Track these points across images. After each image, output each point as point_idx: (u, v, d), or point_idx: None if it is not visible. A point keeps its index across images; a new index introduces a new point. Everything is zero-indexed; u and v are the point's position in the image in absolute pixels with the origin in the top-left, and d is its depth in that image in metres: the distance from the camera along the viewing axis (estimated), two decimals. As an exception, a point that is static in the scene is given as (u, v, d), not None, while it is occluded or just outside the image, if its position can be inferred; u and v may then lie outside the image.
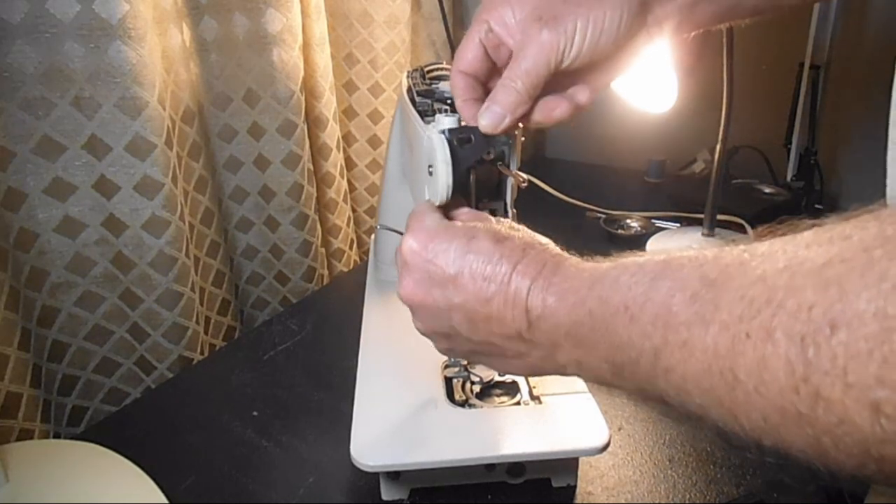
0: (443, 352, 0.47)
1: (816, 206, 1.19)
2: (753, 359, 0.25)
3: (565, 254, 0.40)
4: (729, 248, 0.31)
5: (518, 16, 0.45)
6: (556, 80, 0.46)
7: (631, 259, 0.35)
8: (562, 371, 0.39)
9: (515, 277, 0.38)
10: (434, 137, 0.46)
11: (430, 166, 0.47)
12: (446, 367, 0.63)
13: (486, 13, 0.46)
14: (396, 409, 0.57)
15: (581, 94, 0.47)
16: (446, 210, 0.47)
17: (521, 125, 0.48)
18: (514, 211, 0.53)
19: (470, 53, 0.47)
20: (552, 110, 0.47)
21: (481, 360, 0.45)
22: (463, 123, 0.48)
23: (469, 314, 0.40)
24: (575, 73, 0.46)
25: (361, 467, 0.52)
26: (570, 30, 0.43)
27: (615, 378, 0.35)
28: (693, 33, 0.49)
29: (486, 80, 0.49)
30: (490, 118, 0.45)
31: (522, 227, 0.43)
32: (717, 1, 0.47)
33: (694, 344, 0.28)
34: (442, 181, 0.46)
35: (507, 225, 0.42)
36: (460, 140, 0.47)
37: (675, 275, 0.31)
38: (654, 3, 0.45)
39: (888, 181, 0.38)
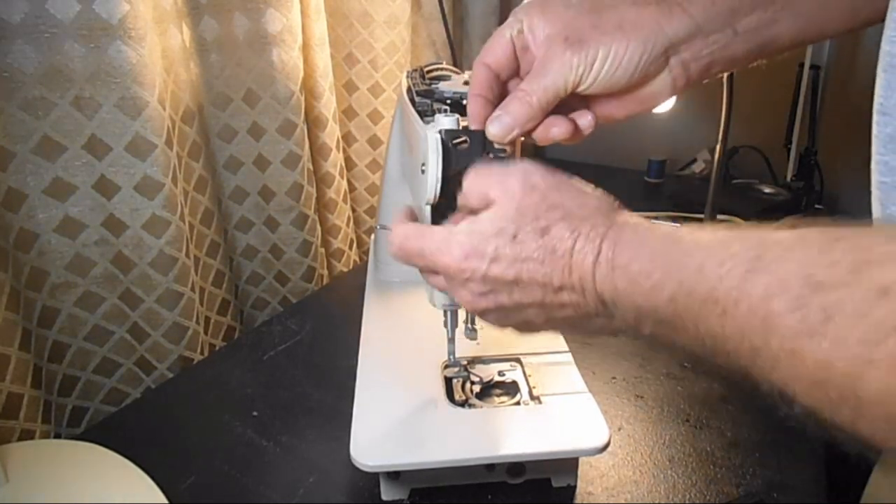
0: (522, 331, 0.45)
1: (816, 206, 1.19)
2: (879, 388, 0.24)
3: (619, 216, 0.38)
4: (836, 234, 0.28)
5: (547, 30, 0.44)
6: (565, 101, 0.46)
7: (711, 237, 0.32)
8: (651, 339, 0.37)
9: (577, 265, 0.36)
10: (429, 136, 0.47)
11: (423, 164, 0.47)
12: (446, 367, 0.63)
13: (522, 13, 0.45)
14: (396, 409, 0.57)
15: (584, 119, 0.47)
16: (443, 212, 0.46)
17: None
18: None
19: (500, 49, 0.46)
20: (550, 128, 0.46)
21: (565, 332, 0.43)
22: (463, 124, 0.48)
23: (543, 308, 0.39)
24: (585, 99, 0.47)
25: (361, 467, 0.52)
26: (592, 56, 0.43)
27: (710, 357, 0.33)
28: (726, 73, 0.49)
29: (507, 79, 0.48)
30: (500, 128, 0.45)
31: (556, 184, 0.40)
32: (752, 39, 0.46)
33: (804, 356, 0.26)
34: (431, 181, 0.46)
35: (538, 194, 0.39)
36: (455, 142, 0.47)
37: (773, 269, 0.28)
38: (681, 45, 0.44)
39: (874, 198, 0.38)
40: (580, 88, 0.44)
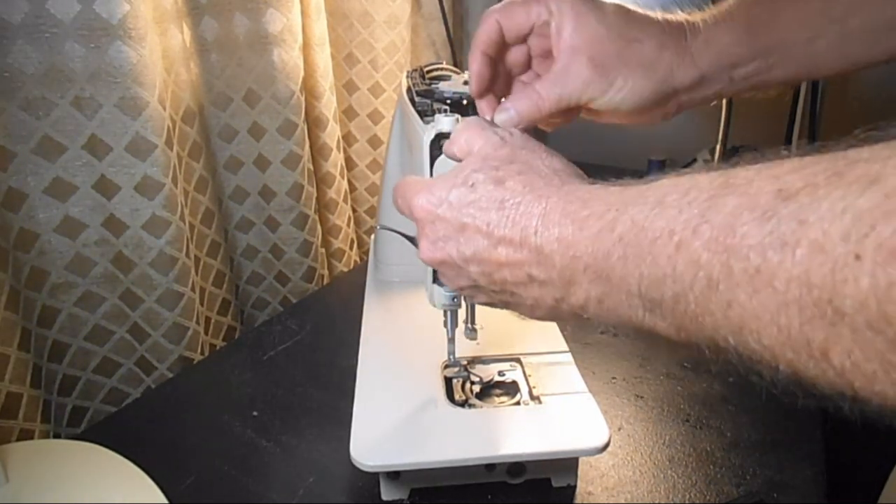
0: (481, 304, 0.45)
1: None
2: (870, 286, 0.20)
3: (584, 178, 0.38)
4: (814, 155, 0.25)
5: (575, 40, 0.44)
6: None
7: (678, 176, 0.30)
8: (581, 313, 0.36)
9: (520, 217, 0.36)
10: (423, 138, 0.47)
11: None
12: (446, 367, 0.63)
13: (554, 4, 0.45)
14: (396, 409, 0.57)
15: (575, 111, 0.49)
16: None
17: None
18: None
19: (520, 20, 0.46)
20: (550, 119, 0.48)
21: (510, 309, 0.42)
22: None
23: (482, 265, 0.39)
24: None
25: (361, 467, 0.52)
26: (610, 84, 0.45)
27: (648, 316, 0.31)
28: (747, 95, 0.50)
29: (511, 44, 0.48)
30: (507, 120, 0.46)
31: (531, 146, 0.41)
32: (745, 84, 0.48)
33: (771, 272, 0.23)
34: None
35: (508, 149, 0.41)
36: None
37: (741, 191, 0.26)
38: (684, 91, 0.46)
39: None
40: (588, 105, 0.46)
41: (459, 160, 0.43)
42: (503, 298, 0.41)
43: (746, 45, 0.46)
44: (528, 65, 0.50)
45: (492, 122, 0.47)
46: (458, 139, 0.43)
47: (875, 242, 0.20)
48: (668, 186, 0.30)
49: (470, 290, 0.43)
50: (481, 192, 0.38)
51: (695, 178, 0.29)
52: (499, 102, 0.48)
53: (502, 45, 0.48)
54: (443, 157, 0.46)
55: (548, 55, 0.48)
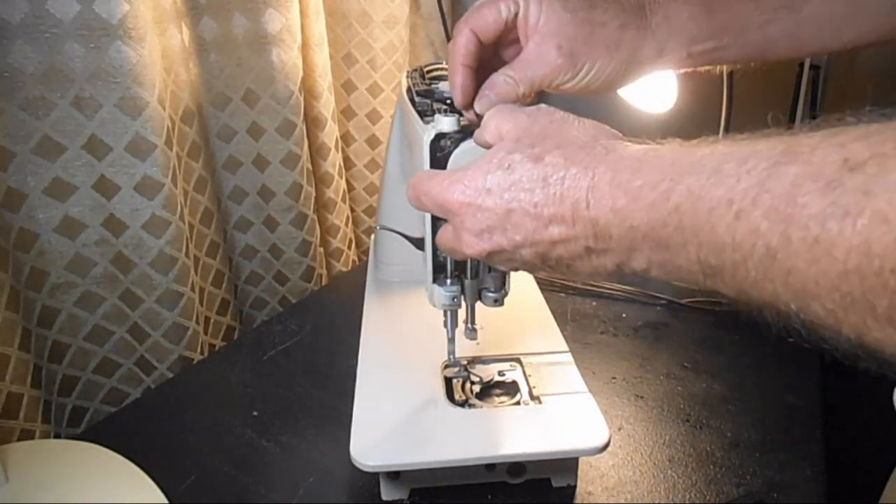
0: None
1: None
2: None
3: (622, 142, 0.36)
4: (882, 125, 0.25)
5: (542, 27, 0.46)
6: None
7: (735, 142, 0.30)
8: (644, 275, 0.35)
9: (568, 191, 0.35)
10: (423, 139, 0.47)
11: None
12: (446, 367, 0.63)
13: None
14: (396, 409, 0.57)
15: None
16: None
17: None
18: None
19: (491, 21, 0.47)
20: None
21: (568, 275, 0.40)
22: (463, 123, 0.48)
23: (535, 246, 0.37)
24: None
25: (361, 467, 0.52)
26: (579, 69, 0.47)
27: (709, 280, 0.30)
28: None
29: (486, 47, 0.49)
30: (487, 106, 0.47)
31: (562, 118, 0.40)
32: (700, 60, 0.50)
33: (831, 241, 0.23)
34: None
35: (539, 125, 0.40)
36: (454, 141, 0.47)
37: (805, 158, 0.25)
38: (645, 64, 0.48)
39: None
40: (559, 88, 0.48)
41: (491, 146, 0.41)
42: (560, 271, 0.40)
43: (703, 23, 0.48)
44: (498, 58, 0.51)
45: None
46: (489, 125, 0.42)
47: None
48: (724, 154, 0.29)
49: (523, 269, 0.42)
50: (521, 173, 0.37)
51: (754, 145, 0.28)
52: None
53: (479, 52, 0.48)
54: (457, 152, 0.46)
55: (513, 43, 0.49)
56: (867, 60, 1.12)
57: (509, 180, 0.37)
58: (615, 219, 0.33)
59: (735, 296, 0.29)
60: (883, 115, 0.26)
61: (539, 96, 0.49)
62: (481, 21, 0.47)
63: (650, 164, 0.32)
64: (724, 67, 0.53)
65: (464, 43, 0.47)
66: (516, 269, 0.43)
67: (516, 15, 0.46)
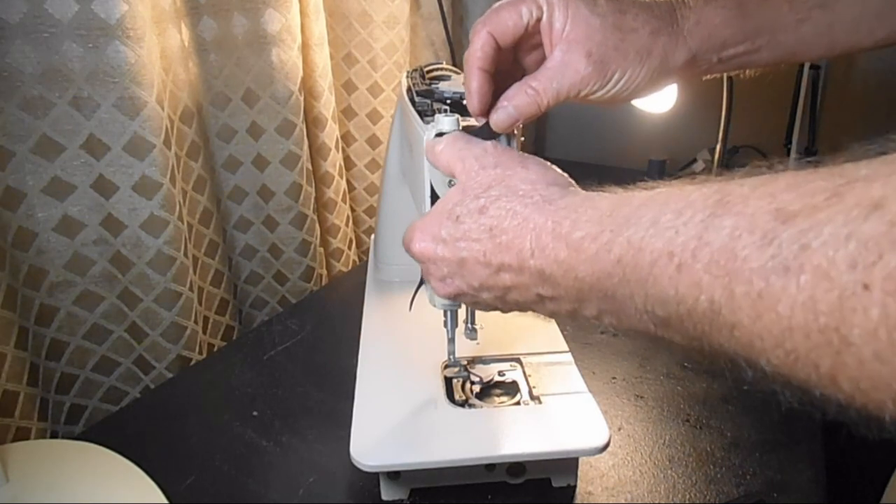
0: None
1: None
2: (878, 319, 0.19)
3: (566, 191, 0.37)
4: (808, 170, 0.24)
5: (569, 33, 0.43)
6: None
7: (668, 191, 0.30)
8: (598, 322, 0.35)
9: (512, 242, 0.36)
10: (423, 139, 0.47)
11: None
12: (446, 367, 0.63)
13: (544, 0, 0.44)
14: (396, 409, 0.57)
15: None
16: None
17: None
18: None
19: (511, 24, 0.44)
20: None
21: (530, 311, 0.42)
22: (463, 123, 0.48)
23: (492, 290, 0.39)
24: None
25: (361, 467, 0.52)
26: (609, 76, 0.44)
27: (659, 330, 0.30)
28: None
29: (505, 50, 0.46)
30: (506, 119, 0.45)
31: (507, 162, 0.40)
32: (731, 65, 0.48)
33: (774, 297, 0.22)
34: (426, 186, 0.48)
35: (484, 173, 0.40)
36: None
37: (738, 210, 0.25)
38: (677, 71, 0.46)
39: None
40: (585, 98, 0.45)
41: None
42: (524, 310, 0.41)
43: (736, 27, 0.46)
44: (517, 65, 0.49)
45: (486, 127, 0.46)
46: (441, 158, 0.44)
47: (883, 272, 0.19)
48: (660, 205, 0.29)
49: (490, 310, 0.43)
50: (469, 224, 0.39)
51: (688, 196, 0.28)
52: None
53: (497, 56, 0.46)
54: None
55: (535, 48, 0.47)
56: (867, 60, 1.12)
57: (459, 231, 0.39)
58: (559, 270, 0.34)
59: (687, 344, 0.29)
60: (808, 163, 0.26)
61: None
62: (500, 24, 0.44)
63: (588, 215, 0.33)
64: (752, 72, 0.50)
65: (480, 46, 0.44)
66: (486, 310, 0.44)
67: (538, 20, 0.44)
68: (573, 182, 0.40)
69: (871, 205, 0.20)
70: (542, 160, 0.41)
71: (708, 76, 0.49)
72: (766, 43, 0.47)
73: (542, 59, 0.45)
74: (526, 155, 0.42)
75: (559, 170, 0.41)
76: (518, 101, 0.45)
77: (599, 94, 0.45)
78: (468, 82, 0.46)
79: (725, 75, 0.90)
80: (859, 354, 0.20)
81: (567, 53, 0.43)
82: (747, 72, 0.50)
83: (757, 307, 0.23)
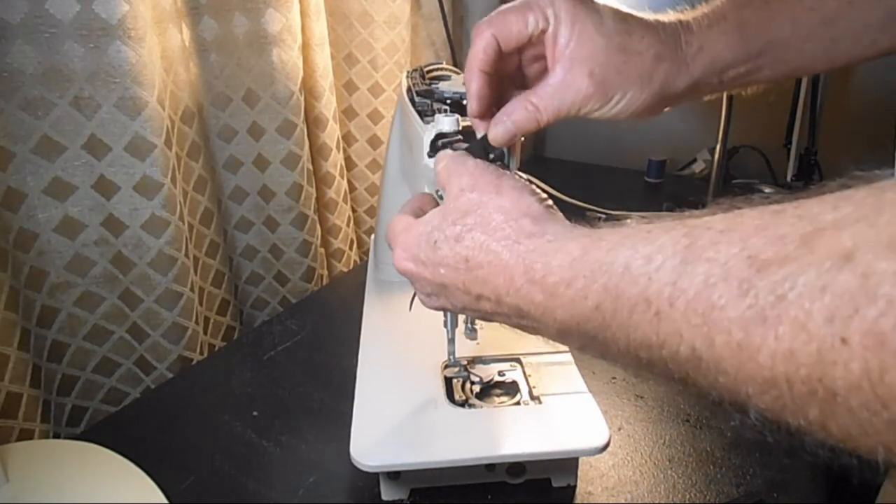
0: None
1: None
2: (860, 372, 0.19)
3: (538, 225, 0.36)
4: (774, 209, 0.24)
5: (574, 50, 0.42)
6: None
7: (634, 231, 0.30)
8: (583, 353, 0.35)
9: (488, 278, 0.36)
10: (424, 138, 0.47)
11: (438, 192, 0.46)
12: (446, 367, 0.63)
13: (550, 10, 0.43)
14: (396, 409, 0.57)
15: None
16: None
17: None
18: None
19: (515, 30, 0.43)
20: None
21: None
22: (463, 123, 0.48)
23: (476, 313, 0.40)
24: None
25: (361, 467, 0.52)
26: (609, 97, 0.44)
27: (644, 371, 0.30)
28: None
29: (506, 54, 0.46)
30: (504, 134, 0.45)
31: (485, 186, 0.40)
32: (733, 84, 0.47)
33: (755, 347, 0.22)
34: (426, 186, 0.47)
35: (463, 198, 0.40)
36: (451, 142, 0.47)
37: (708, 255, 0.25)
38: (678, 96, 0.46)
39: None
40: (585, 116, 0.45)
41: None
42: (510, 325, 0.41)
43: (739, 49, 0.46)
44: (520, 72, 0.48)
45: (483, 141, 0.46)
46: (439, 178, 0.44)
47: (861, 327, 0.19)
48: (629, 249, 0.29)
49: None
50: (445, 251, 0.39)
51: (656, 240, 0.28)
52: (491, 116, 0.46)
53: (498, 60, 0.45)
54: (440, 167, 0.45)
55: (538, 59, 0.46)
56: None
57: (437, 256, 0.39)
58: (537, 310, 0.34)
59: (677, 385, 0.29)
60: (766, 198, 0.26)
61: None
62: (505, 28, 0.43)
63: (559, 259, 0.33)
64: (753, 89, 0.50)
65: (483, 48, 0.44)
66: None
67: (543, 31, 0.43)
68: (551, 204, 0.39)
69: (842, 256, 0.20)
70: (519, 182, 0.40)
71: (709, 97, 0.49)
72: (769, 62, 0.47)
73: (545, 70, 0.45)
74: (504, 176, 0.41)
75: (537, 190, 0.40)
76: (517, 117, 0.44)
77: (599, 113, 0.45)
78: (468, 84, 0.45)
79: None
80: (846, 404, 0.20)
81: (569, 72, 0.43)
82: (749, 89, 0.50)
83: (738, 356, 0.23)
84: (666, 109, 0.48)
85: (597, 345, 0.32)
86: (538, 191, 0.40)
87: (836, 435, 0.22)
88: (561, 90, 0.43)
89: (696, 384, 0.27)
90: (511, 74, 0.48)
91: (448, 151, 0.44)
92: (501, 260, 0.36)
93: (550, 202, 0.39)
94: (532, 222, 0.37)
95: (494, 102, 0.46)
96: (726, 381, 0.25)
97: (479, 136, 0.47)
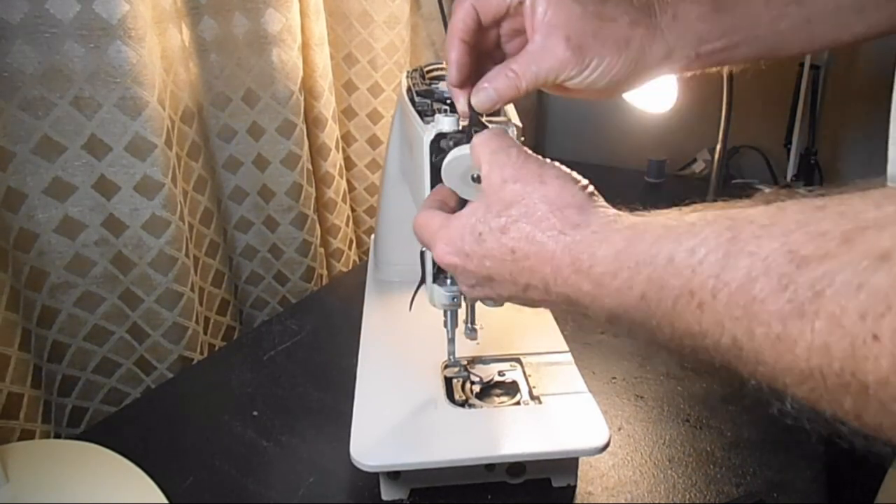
0: None
1: (816, 205, 1.19)
2: (890, 366, 0.20)
3: (583, 215, 0.36)
4: (816, 204, 0.25)
5: (551, 17, 0.44)
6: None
7: (678, 223, 0.30)
8: (633, 336, 0.37)
9: (535, 268, 0.37)
10: (424, 139, 0.47)
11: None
12: (446, 367, 0.63)
13: None
14: (396, 409, 0.57)
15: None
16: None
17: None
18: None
19: (494, 2, 0.45)
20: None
21: None
22: (463, 124, 0.48)
23: (523, 301, 0.41)
24: None
25: (361, 467, 0.52)
26: (587, 64, 0.44)
27: (690, 354, 0.31)
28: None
29: (486, 27, 0.47)
30: (485, 100, 0.46)
31: (527, 176, 0.40)
32: (709, 61, 0.48)
33: (792, 340, 0.23)
34: (425, 183, 0.47)
35: (506, 188, 0.40)
36: (451, 143, 0.47)
37: (751, 249, 0.26)
38: (653, 65, 0.46)
39: (889, 158, 0.38)
40: (563, 84, 0.46)
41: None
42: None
43: (712, 22, 0.46)
44: (499, 49, 0.49)
45: (472, 120, 0.46)
46: (474, 154, 0.43)
47: (892, 325, 0.20)
48: (672, 241, 0.30)
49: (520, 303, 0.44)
50: (491, 244, 0.39)
51: (700, 232, 0.29)
52: (471, 86, 0.47)
53: (478, 31, 0.47)
54: (446, 162, 0.45)
55: (518, 34, 0.47)
56: (867, 60, 1.12)
57: (483, 249, 0.39)
58: (585, 298, 0.35)
59: (723, 368, 0.30)
60: (811, 192, 0.27)
61: (540, 104, 0.48)
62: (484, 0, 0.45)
63: (605, 251, 0.33)
64: (732, 68, 0.51)
65: (462, 17, 0.46)
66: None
67: (521, 2, 0.44)
68: (593, 191, 0.39)
69: (879, 256, 0.21)
70: (562, 171, 0.40)
71: (688, 73, 0.49)
72: (744, 39, 0.47)
73: (524, 45, 0.46)
74: (546, 165, 0.41)
75: (579, 178, 0.40)
76: (498, 84, 0.45)
77: (577, 80, 0.45)
78: (448, 53, 0.46)
79: (725, 74, 0.90)
80: (877, 397, 0.21)
81: (547, 38, 0.44)
82: (730, 68, 0.51)
83: (777, 348, 0.24)
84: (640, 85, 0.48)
85: (644, 331, 0.33)
86: (581, 179, 0.40)
87: (869, 424, 0.23)
88: (539, 56, 0.44)
89: (740, 370, 0.28)
90: (491, 51, 0.49)
91: (487, 133, 0.44)
92: (548, 251, 0.36)
93: (593, 188, 0.39)
94: (577, 212, 0.37)
95: (474, 73, 0.47)
96: (765, 370, 0.26)
97: (458, 106, 0.48)
